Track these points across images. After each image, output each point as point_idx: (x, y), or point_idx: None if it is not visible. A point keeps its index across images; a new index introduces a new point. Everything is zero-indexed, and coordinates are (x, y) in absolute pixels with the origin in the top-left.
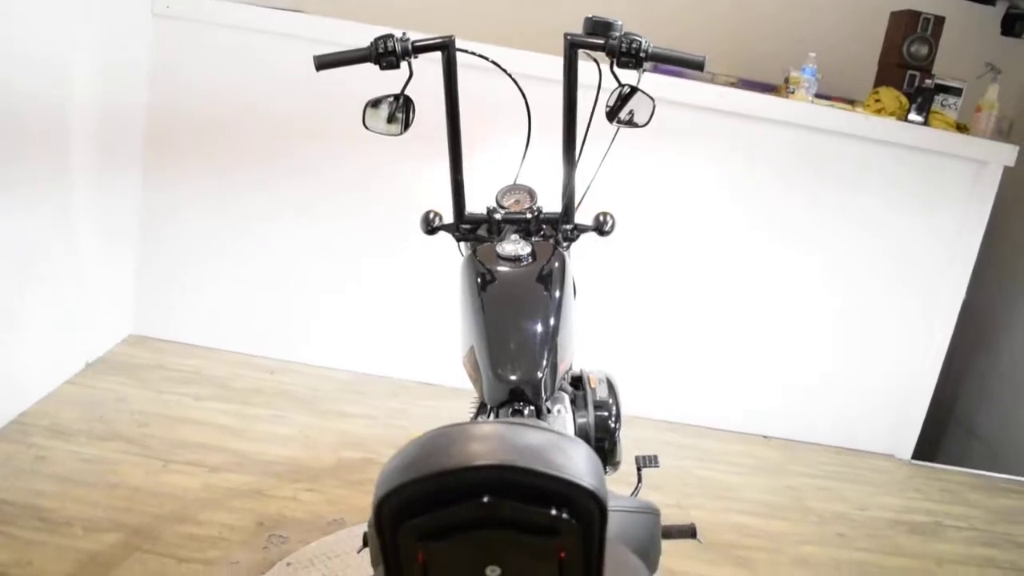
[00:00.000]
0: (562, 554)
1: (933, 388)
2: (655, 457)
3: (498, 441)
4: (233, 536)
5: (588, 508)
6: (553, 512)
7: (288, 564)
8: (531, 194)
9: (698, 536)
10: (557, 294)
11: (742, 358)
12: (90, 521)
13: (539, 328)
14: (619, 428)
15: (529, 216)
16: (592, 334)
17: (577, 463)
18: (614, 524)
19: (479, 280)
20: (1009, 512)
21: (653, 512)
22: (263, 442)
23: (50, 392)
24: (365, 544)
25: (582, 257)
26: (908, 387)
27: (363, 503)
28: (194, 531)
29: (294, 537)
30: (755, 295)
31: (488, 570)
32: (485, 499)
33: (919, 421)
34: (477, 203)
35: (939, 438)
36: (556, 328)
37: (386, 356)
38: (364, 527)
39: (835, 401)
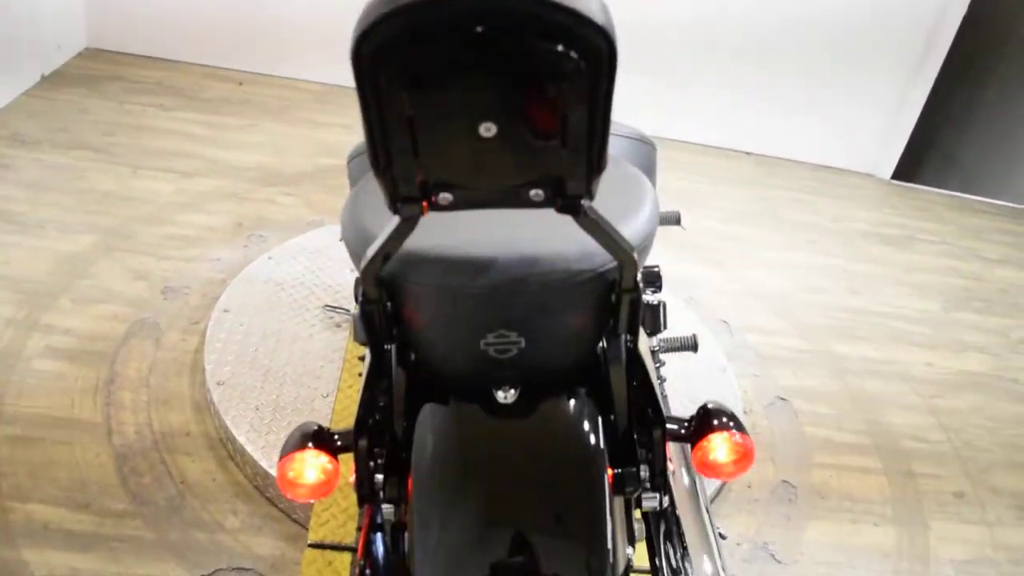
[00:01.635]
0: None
1: (919, 112)
2: None
3: None
4: (212, 236)
5: (597, 47)
6: (559, 48)
7: (270, 258)
8: None
9: (681, 223)
10: None
11: (728, 72)
12: (63, 223)
13: None
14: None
15: None
16: None
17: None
18: (614, 147)
19: None
20: (978, 229)
21: (651, 144)
22: (236, 149)
23: (7, 104)
24: None
25: None
26: (894, 109)
27: (342, 206)
28: (172, 231)
29: (273, 237)
30: (744, 8)
31: (482, 128)
32: (479, 29)
33: (902, 143)
34: None
35: (919, 163)
36: None
37: None
38: None
39: (819, 119)
